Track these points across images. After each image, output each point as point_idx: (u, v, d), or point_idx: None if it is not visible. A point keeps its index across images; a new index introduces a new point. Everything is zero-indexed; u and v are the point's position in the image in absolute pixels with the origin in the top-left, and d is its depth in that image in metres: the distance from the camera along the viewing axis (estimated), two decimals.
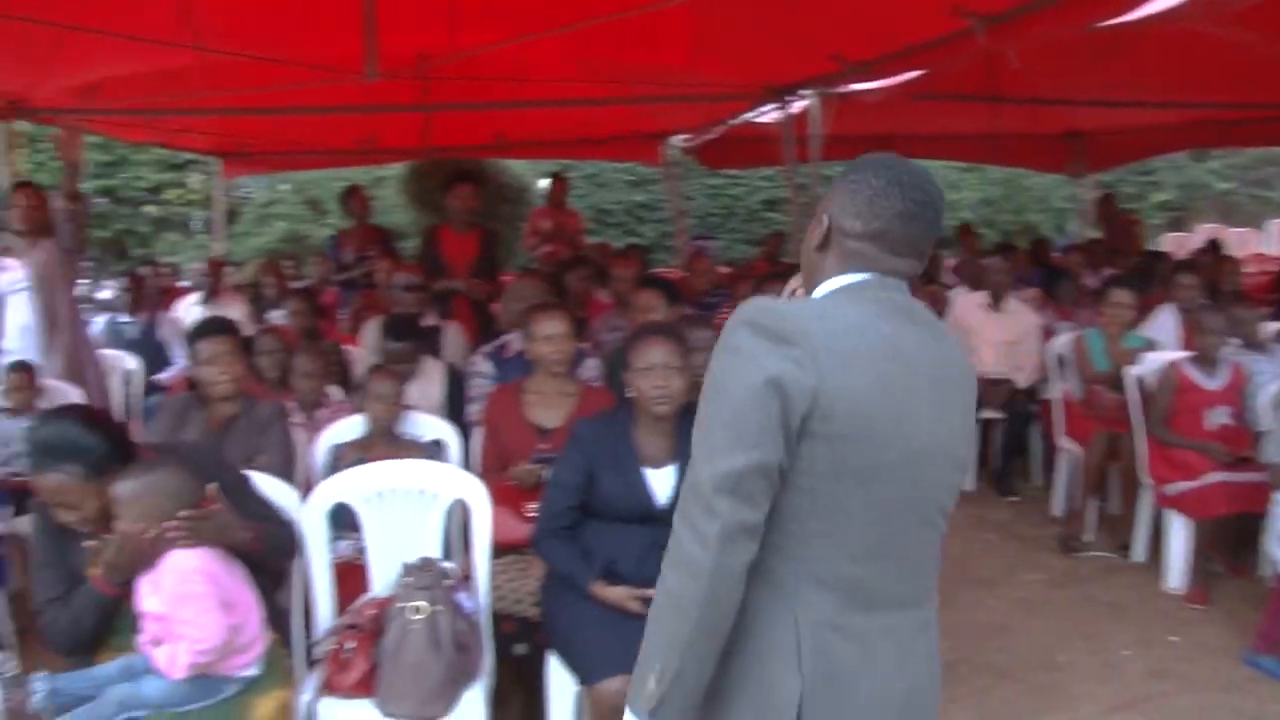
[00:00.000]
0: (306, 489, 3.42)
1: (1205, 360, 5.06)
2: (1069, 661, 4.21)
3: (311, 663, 3.10)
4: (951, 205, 17.25)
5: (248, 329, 5.37)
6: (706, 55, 6.27)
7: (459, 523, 3.58)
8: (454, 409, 4.67)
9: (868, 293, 1.74)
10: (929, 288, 8.06)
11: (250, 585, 2.67)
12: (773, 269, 7.05)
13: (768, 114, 7.33)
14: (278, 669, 2.72)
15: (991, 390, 6.37)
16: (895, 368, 1.68)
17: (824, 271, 1.81)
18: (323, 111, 7.31)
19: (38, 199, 5.36)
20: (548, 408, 3.98)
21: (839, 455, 1.63)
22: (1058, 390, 6.09)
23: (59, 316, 5.26)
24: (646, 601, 2.23)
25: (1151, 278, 7.21)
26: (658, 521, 2.94)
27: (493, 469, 3.90)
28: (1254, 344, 5.28)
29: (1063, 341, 6.15)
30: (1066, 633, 4.48)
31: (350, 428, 4.06)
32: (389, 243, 8.67)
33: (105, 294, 9.45)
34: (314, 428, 4.22)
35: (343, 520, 3.36)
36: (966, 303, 6.83)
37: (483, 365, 4.79)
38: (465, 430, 4.40)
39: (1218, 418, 5.01)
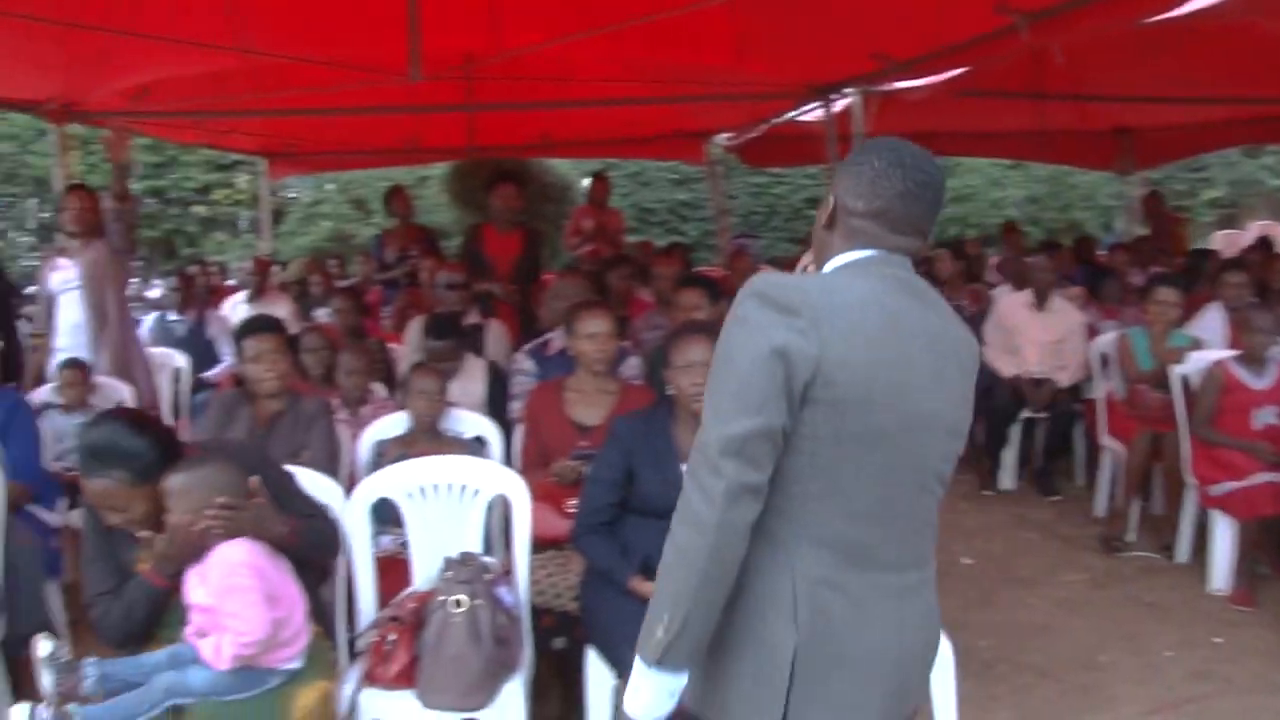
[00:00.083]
0: (350, 484, 3.46)
1: (1253, 359, 5.00)
2: (1110, 662, 4.18)
3: (354, 654, 3.15)
4: (996, 203, 17.13)
5: (293, 327, 5.46)
6: (750, 55, 6.27)
7: (500, 518, 3.62)
8: (496, 406, 4.71)
9: (872, 268, 1.83)
10: (972, 286, 8.02)
11: (295, 580, 2.72)
12: None
13: (811, 112, 7.33)
14: (320, 661, 2.76)
15: (1034, 390, 6.33)
16: (896, 339, 1.76)
17: (831, 248, 1.90)
18: (367, 112, 7.40)
19: (90, 201, 5.45)
20: (588, 405, 4.02)
21: (840, 421, 1.71)
22: (1101, 389, 6.02)
23: (108, 315, 5.36)
24: None
25: (1198, 276, 7.13)
26: None
27: (533, 465, 3.94)
28: None
29: (1107, 340, 6.10)
30: (1108, 633, 4.44)
31: (393, 424, 4.11)
32: (432, 242, 8.75)
33: (154, 293, 9.62)
34: (358, 424, 4.27)
35: (386, 515, 3.39)
36: (1010, 302, 6.77)
37: (524, 363, 4.83)
38: (507, 427, 4.44)
39: (1265, 417, 4.93)
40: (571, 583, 3.39)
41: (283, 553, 2.70)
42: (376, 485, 3.33)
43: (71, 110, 6.59)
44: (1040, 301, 6.57)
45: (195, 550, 2.58)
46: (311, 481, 3.20)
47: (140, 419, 2.78)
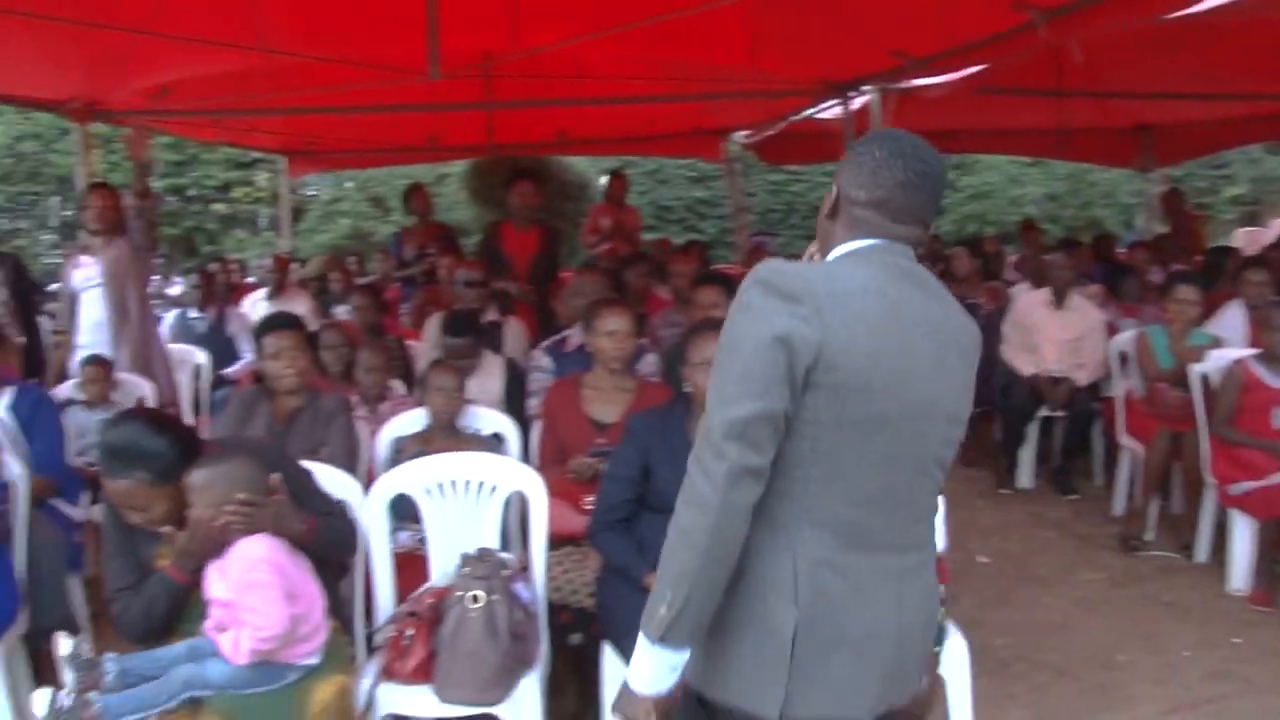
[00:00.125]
0: (369, 480, 3.49)
1: (1273, 358, 4.97)
2: (1128, 661, 4.17)
3: (371, 649, 3.17)
4: (1015, 200, 17.06)
5: (313, 324, 5.49)
6: (767, 52, 6.27)
7: (517, 514, 3.63)
8: (513, 403, 4.73)
9: (874, 257, 1.86)
10: (990, 284, 7.99)
11: (314, 577, 2.73)
12: None
13: (829, 110, 7.31)
14: (338, 655, 2.77)
15: (1053, 388, 6.31)
16: (898, 326, 1.79)
17: (835, 237, 1.94)
18: (387, 110, 7.43)
19: (111, 199, 5.50)
20: (605, 402, 4.03)
21: (841, 406, 1.74)
22: (1120, 388, 6.01)
23: (130, 312, 5.41)
24: None
25: (1219, 273, 7.08)
26: None
27: (551, 462, 3.95)
28: None
29: (1126, 338, 6.07)
30: (1126, 632, 4.43)
31: (412, 421, 4.13)
32: (451, 239, 8.77)
33: (175, 290, 9.69)
34: (376, 421, 4.30)
35: (404, 511, 3.41)
36: (1029, 300, 6.74)
37: (542, 360, 4.85)
38: (524, 424, 4.45)
39: None
40: (588, 579, 3.41)
41: (301, 550, 2.72)
42: (395, 481, 3.35)
43: (94, 109, 6.64)
44: (1059, 299, 6.54)
45: (216, 545, 2.60)
46: (330, 478, 3.23)
47: (160, 419, 2.80)
